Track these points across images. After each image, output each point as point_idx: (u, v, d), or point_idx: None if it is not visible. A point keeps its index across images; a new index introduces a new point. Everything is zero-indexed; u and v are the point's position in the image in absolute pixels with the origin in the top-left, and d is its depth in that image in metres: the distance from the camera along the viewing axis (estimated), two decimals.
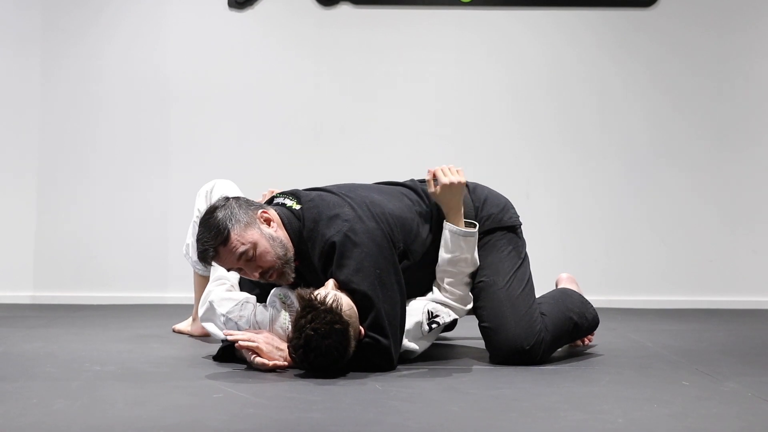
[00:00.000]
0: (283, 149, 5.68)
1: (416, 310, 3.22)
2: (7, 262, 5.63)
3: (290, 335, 2.90)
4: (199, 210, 3.79)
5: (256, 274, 3.10)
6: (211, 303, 3.29)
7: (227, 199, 3.18)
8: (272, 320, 3.11)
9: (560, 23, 5.76)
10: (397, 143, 5.69)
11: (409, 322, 3.17)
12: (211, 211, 3.12)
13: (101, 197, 5.65)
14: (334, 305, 2.84)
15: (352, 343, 2.91)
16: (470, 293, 3.33)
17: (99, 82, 5.68)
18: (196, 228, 3.75)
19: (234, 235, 3.05)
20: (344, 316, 2.86)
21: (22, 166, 5.64)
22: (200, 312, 3.36)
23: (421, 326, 3.20)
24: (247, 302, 3.21)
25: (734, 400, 2.66)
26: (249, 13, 5.74)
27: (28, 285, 5.62)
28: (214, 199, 3.72)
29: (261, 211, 3.14)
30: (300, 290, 2.93)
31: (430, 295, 3.31)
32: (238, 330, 3.15)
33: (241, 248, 3.04)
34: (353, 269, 3.00)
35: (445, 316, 3.25)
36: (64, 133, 5.66)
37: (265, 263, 3.08)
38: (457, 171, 3.30)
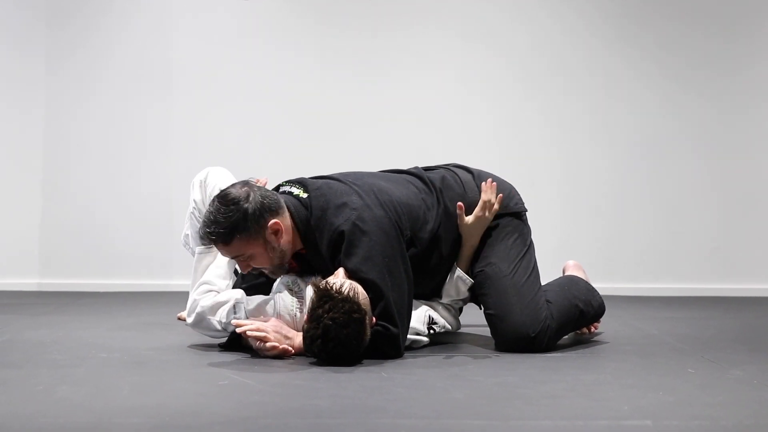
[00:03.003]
0: (286, 137, 5.68)
1: (418, 313, 3.27)
2: (13, 250, 5.64)
3: (306, 325, 2.88)
4: (195, 201, 3.70)
5: (246, 270, 3.17)
6: (200, 314, 3.21)
7: (248, 195, 3.07)
8: (280, 308, 3.10)
9: (565, 9, 5.74)
10: (401, 131, 5.68)
11: (411, 319, 3.19)
12: (230, 201, 3.04)
13: (106, 185, 5.66)
14: (351, 294, 2.83)
15: (368, 332, 2.90)
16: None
17: (104, 71, 5.68)
18: (194, 220, 3.73)
19: (236, 242, 3.05)
20: (362, 305, 2.85)
21: (28, 154, 5.65)
22: (188, 320, 3.28)
23: (421, 324, 3.27)
24: (239, 303, 3.16)
25: (739, 387, 2.66)
26: (253, 1, 5.73)
27: (34, 272, 5.63)
28: (209, 188, 3.68)
29: (273, 221, 3.08)
30: (314, 279, 2.92)
31: (426, 306, 3.35)
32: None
33: (237, 253, 3.09)
34: (362, 258, 2.98)
35: (441, 324, 3.34)
36: (68, 121, 5.66)
37: (257, 265, 3.14)
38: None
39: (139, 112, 5.68)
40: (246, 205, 3.05)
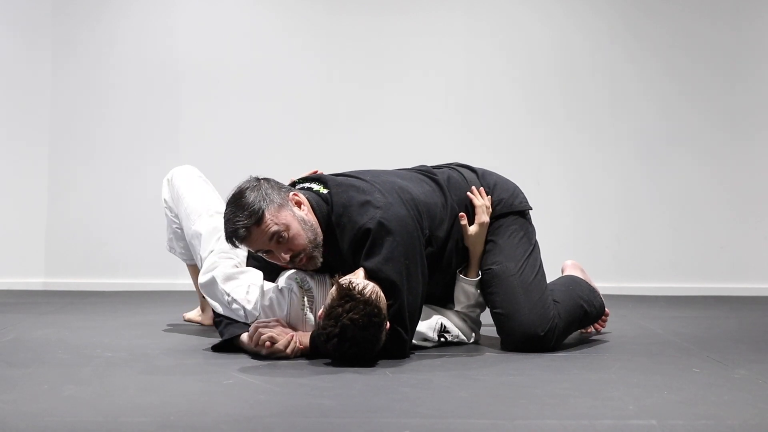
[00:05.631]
0: (292, 136, 5.68)
1: (430, 320, 3.27)
2: (18, 249, 5.65)
3: (322, 321, 2.84)
4: (164, 200, 3.73)
5: (287, 257, 3.03)
6: (213, 278, 3.21)
7: (258, 179, 3.09)
8: (290, 306, 3.09)
9: (571, 9, 5.74)
10: (407, 130, 5.68)
11: (420, 326, 3.20)
12: (242, 191, 3.03)
13: (112, 185, 5.66)
14: (373, 297, 2.81)
15: (384, 337, 2.88)
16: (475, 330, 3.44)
17: (110, 69, 5.68)
18: (168, 218, 3.75)
19: (268, 215, 2.98)
20: (382, 311, 2.83)
21: (33, 154, 5.66)
22: (201, 280, 3.28)
23: (432, 331, 3.27)
24: (254, 285, 3.17)
25: (745, 387, 2.66)
26: None
27: (40, 272, 5.64)
28: (176, 185, 3.70)
29: (292, 193, 3.08)
30: (337, 277, 2.90)
31: (439, 315, 3.34)
32: (245, 316, 3.14)
33: (274, 228, 2.97)
34: (384, 258, 2.94)
35: (454, 333, 3.33)
36: (74, 121, 5.67)
37: (296, 246, 3.02)
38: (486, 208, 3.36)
39: (145, 113, 5.68)
40: (260, 184, 3.05)
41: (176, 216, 3.73)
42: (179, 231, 3.75)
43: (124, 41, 5.70)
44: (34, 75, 5.66)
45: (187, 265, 3.89)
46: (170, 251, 3.90)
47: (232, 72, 5.71)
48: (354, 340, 2.80)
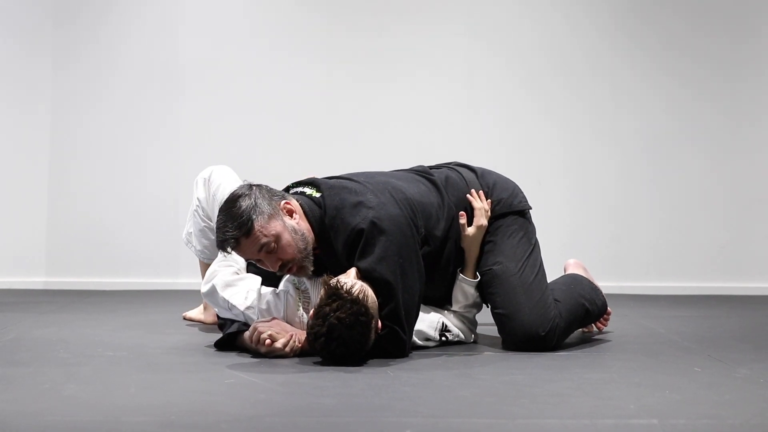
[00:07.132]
0: (293, 137, 5.67)
1: (431, 319, 3.27)
2: (20, 248, 5.65)
3: (311, 321, 2.86)
4: (198, 199, 3.75)
5: (276, 266, 3.04)
6: (214, 286, 3.23)
7: (251, 187, 3.09)
8: (287, 307, 3.10)
9: (573, 7, 5.73)
10: (408, 131, 5.68)
11: (422, 325, 3.20)
12: (234, 199, 3.03)
13: (113, 183, 5.66)
14: (360, 296, 2.81)
15: (372, 336, 2.89)
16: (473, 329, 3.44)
17: (111, 69, 5.67)
18: (197, 218, 3.77)
19: (257, 227, 2.98)
20: (370, 309, 2.83)
21: (34, 152, 5.65)
22: (203, 289, 3.31)
23: (433, 330, 3.26)
24: (252, 290, 3.18)
25: (747, 386, 2.65)
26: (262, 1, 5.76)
27: (41, 271, 5.64)
28: (213, 186, 3.71)
29: (284, 202, 3.07)
30: (326, 277, 2.90)
31: (440, 315, 3.34)
32: (244, 320, 3.15)
33: (263, 240, 2.98)
34: (377, 257, 2.95)
35: (455, 333, 3.32)
36: (75, 120, 5.67)
37: (285, 255, 3.02)
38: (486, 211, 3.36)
39: (146, 112, 5.68)
40: (252, 193, 3.04)
41: (208, 217, 3.72)
42: (207, 230, 3.74)
43: (125, 41, 5.69)
44: (35, 72, 5.65)
45: (200, 262, 3.90)
46: (187, 245, 3.92)
47: (234, 73, 5.70)
48: (341, 340, 2.80)
